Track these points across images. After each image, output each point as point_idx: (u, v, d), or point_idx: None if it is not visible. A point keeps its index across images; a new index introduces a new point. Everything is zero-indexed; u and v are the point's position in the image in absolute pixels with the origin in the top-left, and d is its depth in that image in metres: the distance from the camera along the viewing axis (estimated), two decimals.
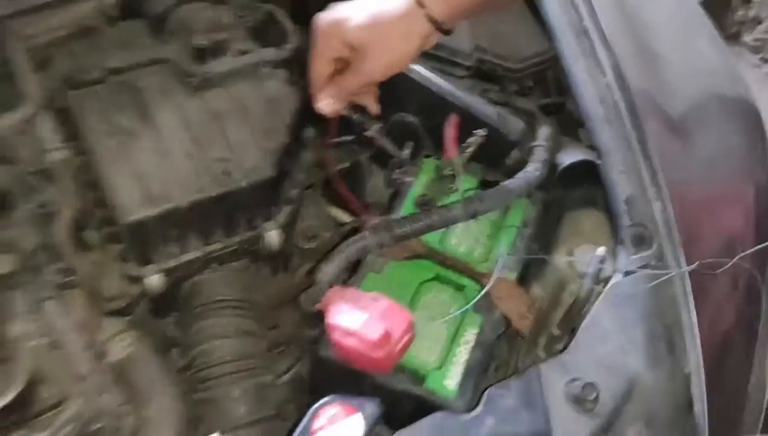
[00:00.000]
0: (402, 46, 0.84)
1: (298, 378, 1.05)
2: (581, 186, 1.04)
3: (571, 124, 1.08)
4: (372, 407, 0.76)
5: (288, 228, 1.01)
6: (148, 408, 0.87)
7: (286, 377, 1.05)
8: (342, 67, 0.87)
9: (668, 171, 0.97)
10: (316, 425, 0.75)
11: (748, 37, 2.74)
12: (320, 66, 0.86)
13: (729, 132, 1.17)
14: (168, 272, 0.92)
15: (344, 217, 1.16)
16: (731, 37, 2.73)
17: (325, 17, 0.84)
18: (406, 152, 1.03)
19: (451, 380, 0.86)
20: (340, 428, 0.75)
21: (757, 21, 2.72)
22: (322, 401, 0.76)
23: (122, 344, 0.90)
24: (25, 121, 0.85)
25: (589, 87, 0.98)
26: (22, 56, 0.90)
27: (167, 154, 0.87)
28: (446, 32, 0.85)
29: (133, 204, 0.84)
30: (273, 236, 0.97)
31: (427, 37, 0.84)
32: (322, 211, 1.13)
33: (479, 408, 0.81)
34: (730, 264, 0.90)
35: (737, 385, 0.93)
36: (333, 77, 0.87)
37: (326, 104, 0.88)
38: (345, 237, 0.97)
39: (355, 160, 1.16)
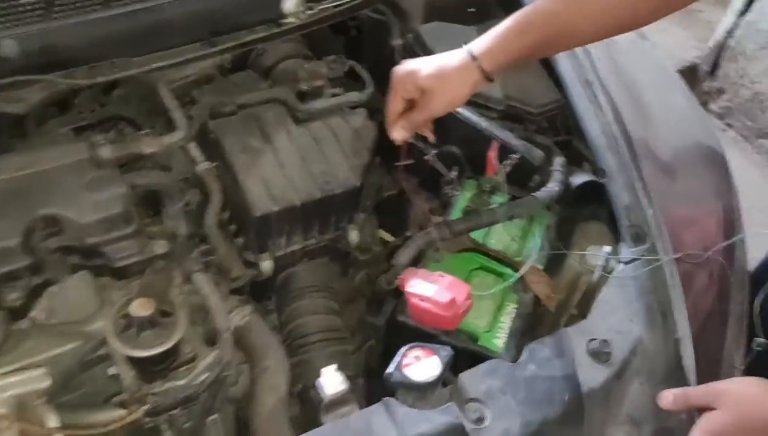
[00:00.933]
0: (459, 90, 1.08)
1: (364, 355, 1.26)
2: (588, 204, 1.28)
3: (576, 157, 1.33)
4: (445, 351, 0.97)
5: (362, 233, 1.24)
6: (265, 361, 1.08)
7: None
8: (410, 106, 1.12)
9: (658, 197, 1.22)
10: (405, 361, 0.96)
11: (714, 106, 3.05)
12: (395, 104, 1.10)
13: (702, 168, 1.43)
14: (276, 260, 1.15)
15: (388, 236, 1.40)
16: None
17: (401, 68, 1.09)
18: (454, 174, 1.27)
19: (498, 340, 1.08)
20: (423, 364, 0.96)
21: (721, 92, 3.03)
22: (408, 345, 0.98)
23: (241, 314, 1.12)
24: (179, 142, 1.09)
25: (594, 123, 1.23)
26: (169, 95, 1.14)
27: (283, 166, 1.11)
28: (490, 80, 1.10)
29: (261, 202, 1.07)
30: (354, 235, 1.20)
31: (477, 83, 1.08)
32: (374, 230, 1.34)
33: (523, 357, 1.03)
34: (707, 255, 1.15)
35: (715, 349, 1.15)
36: (404, 113, 1.12)
37: (398, 133, 1.12)
38: (390, 253, 1.21)
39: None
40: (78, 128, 1.14)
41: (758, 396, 0.92)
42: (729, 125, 3.00)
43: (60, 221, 0.99)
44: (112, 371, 1.00)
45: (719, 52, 2.98)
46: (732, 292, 1.19)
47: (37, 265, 0.98)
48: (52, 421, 0.93)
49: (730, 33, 2.92)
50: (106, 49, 1.02)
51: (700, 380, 1.07)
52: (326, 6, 1.17)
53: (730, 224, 1.29)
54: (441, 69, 1.07)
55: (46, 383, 0.94)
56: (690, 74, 3.02)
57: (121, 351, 0.95)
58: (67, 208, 0.99)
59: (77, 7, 0.96)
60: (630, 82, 1.37)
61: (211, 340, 1.05)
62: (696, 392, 0.99)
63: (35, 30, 0.95)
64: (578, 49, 1.34)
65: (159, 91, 1.15)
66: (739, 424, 0.92)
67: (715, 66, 3.01)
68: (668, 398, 1.00)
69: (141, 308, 0.95)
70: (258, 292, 1.21)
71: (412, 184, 1.31)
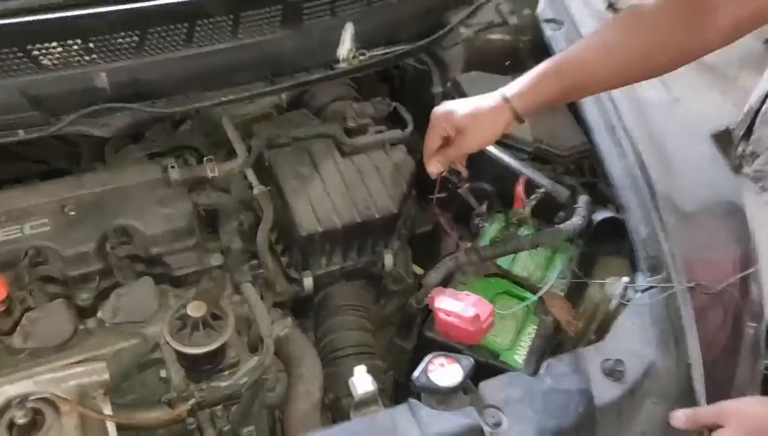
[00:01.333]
0: (491, 129, 1.17)
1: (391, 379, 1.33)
2: (610, 241, 1.35)
3: (601, 199, 1.40)
4: (467, 360, 1.04)
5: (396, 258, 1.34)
6: (301, 369, 1.17)
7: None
8: (445, 143, 1.22)
9: (676, 239, 1.28)
10: (430, 368, 1.03)
11: (748, 169, 3.07)
12: (433, 140, 1.21)
13: (721, 217, 1.47)
14: (316, 278, 1.25)
15: (420, 271, 1.48)
16: (734, 169, 3.05)
17: (439, 108, 1.20)
18: (484, 207, 1.36)
19: (519, 357, 1.15)
20: (446, 371, 1.03)
21: (755, 155, 3.06)
22: (433, 354, 1.05)
23: (282, 325, 1.21)
24: (237, 168, 1.22)
25: (616, 164, 1.31)
26: (231, 127, 1.28)
27: (329, 193, 1.23)
28: (521, 121, 1.18)
29: (307, 223, 1.19)
30: (389, 259, 1.30)
31: (508, 124, 1.17)
32: (408, 262, 1.43)
33: (540, 372, 1.09)
34: (721, 286, 1.20)
35: (726, 380, 1.19)
36: (440, 149, 1.23)
37: (434, 166, 1.22)
38: (420, 286, 1.29)
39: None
40: (150, 155, 1.28)
41: (765, 415, 0.97)
42: (764, 188, 3.02)
43: (130, 231, 1.12)
44: (163, 373, 1.10)
45: (753, 117, 3.03)
46: (745, 326, 1.24)
47: (108, 270, 1.11)
48: (108, 410, 1.03)
49: (765, 98, 2.97)
50: (183, 84, 1.16)
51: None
52: (375, 54, 1.30)
53: (747, 265, 1.34)
54: (475, 109, 1.17)
55: (105, 376, 1.05)
56: (725, 138, 3.07)
57: (175, 347, 1.04)
58: (137, 220, 1.12)
59: (163, 46, 1.11)
60: (654, 133, 1.45)
61: (254, 348, 1.14)
62: (705, 412, 1.03)
63: (125, 65, 1.09)
64: (604, 98, 1.43)
65: (223, 124, 1.28)
66: None
67: (749, 130, 3.05)
68: (680, 417, 1.05)
69: (196, 310, 1.05)
70: (297, 310, 1.30)
71: (445, 217, 1.41)
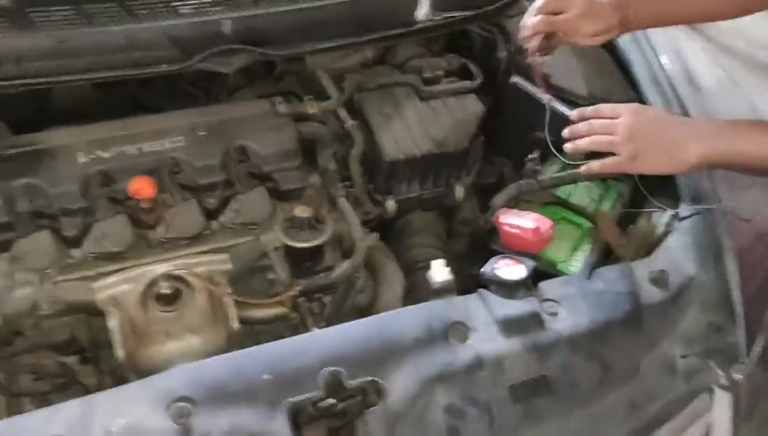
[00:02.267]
0: (598, 20, 1.24)
1: None
2: (659, 184, 1.48)
3: None
4: (530, 262, 1.20)
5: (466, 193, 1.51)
6: (385, 273, 1.35)
7: None
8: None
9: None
10: (496, 265, 1.20)
11: None
12: (546, 3, 1.24)
13: None
14: (398, 202, 1.44)
15: None
16: None
17: None
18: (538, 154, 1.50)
19: (573, 268, 1.31)
20: (511, 269, 1.19)
21: None
22: (500, 255, 1.22)
23: (369, 238, 1.39)
24: (332, 106, 1.43)
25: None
26: (326, 76, 1.49)
27: (409, 129, 1.42)
28: (626, 29, 1.29)
29: (391, 151, 1.38)
30: (459, 191, 1.48)
31: (614, 26, 1.26)
32: (476, 208, 1.61)
33: (593, 278, 1.24)
34: (759, 215, 1.33)
35: (762, 310, 1.31)
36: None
37: (532, 22, 1.24)
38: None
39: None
40: (259, 97, 1.49)
41: None
42: None
43: (248, 150, 1.33)
44: (271, 275, 1.30)
45: None
46: None
47: (230, 181, 1.31)
48: (229, 290, 1.22)
49: None
50: (289, 34, 1.37)
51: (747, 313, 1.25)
52: (448, 16, 1.50)
53: None
54: (589, 4, 1.24)
55: (228, 265, 1.25)
56: None
57: (286, 242, 1.24)
58: (253, 142, 1.32)
59: (277, 0, 1.33)
60: (696, 88, 1.59)
61: (346, 257, 1.33)
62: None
63: (246, 15, 1.31)
64: (652, 58, 1.57)
65: (318, 75, 1.49)
66: None
67: None
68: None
69: (303, 211, 1.25)
70: (381, 235, 1.48)
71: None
